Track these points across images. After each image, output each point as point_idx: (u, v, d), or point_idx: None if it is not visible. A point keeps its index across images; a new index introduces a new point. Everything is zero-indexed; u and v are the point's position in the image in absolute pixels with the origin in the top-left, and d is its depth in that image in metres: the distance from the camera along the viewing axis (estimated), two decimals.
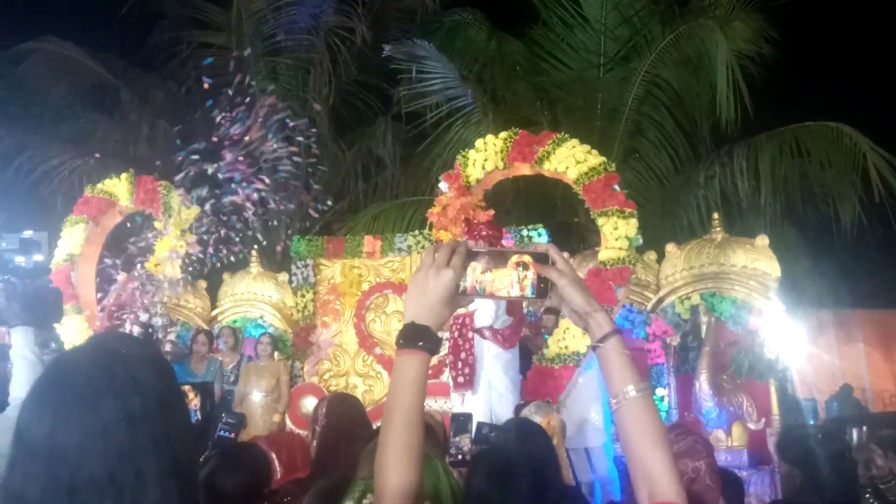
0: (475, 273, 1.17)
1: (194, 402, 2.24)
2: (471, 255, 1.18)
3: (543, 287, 1.18)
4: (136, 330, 7.15)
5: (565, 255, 7.19)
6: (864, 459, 2.99)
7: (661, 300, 6.79)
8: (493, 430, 3.57)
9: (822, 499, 2.72)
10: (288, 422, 7.04)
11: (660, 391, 6.67)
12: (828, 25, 11.19)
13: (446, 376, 5.59)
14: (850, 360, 13.56)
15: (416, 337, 1.13)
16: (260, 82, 10.07)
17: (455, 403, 5.24)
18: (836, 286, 10.65)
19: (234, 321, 7.82)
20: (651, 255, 7.18)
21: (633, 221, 5.83)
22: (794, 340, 6.86)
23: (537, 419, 5.26)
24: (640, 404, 1.16)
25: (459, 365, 5.05)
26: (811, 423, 7.05)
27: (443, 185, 6.12)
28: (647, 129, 9.81)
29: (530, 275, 1.17)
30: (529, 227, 7.39)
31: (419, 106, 9.64)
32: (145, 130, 11.56)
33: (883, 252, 9.74)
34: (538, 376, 5.59)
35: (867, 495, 2.84)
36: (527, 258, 1.17)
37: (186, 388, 2.10)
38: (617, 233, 5.81)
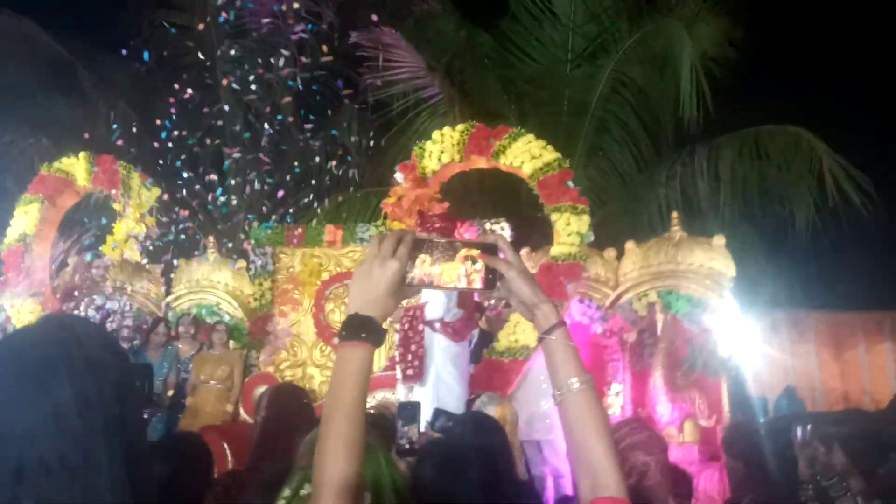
0: (424, 265, 1.15)
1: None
2: (418, 246, 1.16)
3: (492, 278, 1.17)
4: (91, 314, 6.97)
5: (527, 249, 7.22)
6: (809, 456, 3.05)
7: (619, 297, 6.86)
8: (451, 419, 3.54)
9: (762, 491, 2.78)
10: (242, 412, 6.93)
11: (615, 387, 6.74)
12: (790, 31, 11.41)
13: None
14: (801, 360, 13.92)
15: (360, 328, 1.10)
16: (223, 65, 9.89)
17: (401, 395, 5.22)
18: (790, 287, 10.89)
19: (189, 309, 7.65)
20: (611, 253, 7.24)
21: (586, 218, 5.90)
22: (747, 339, 7.00)
23: (490, 410, 5.27)
24: (583, 396, 1.15)
25: (409, 357, 5.03)
26: (761, 420, 7.19)
27: (398, 176, 6.09)
28: (611, 127, 9.89)
29: (479, 266, 1.16)
30: (492, 220, 7.38)
31: (385, 95, 9.55)
32: (104, 111, 11.25)
33: (836, 255, 10.00)
34: (487, 369, 5.61)
35: (809, 490, 2.90)
36: (475, 251, 1.16)
37: None
38: (569, 228, 5.86)
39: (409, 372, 5.03)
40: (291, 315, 7.42)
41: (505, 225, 7.29)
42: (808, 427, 2.98)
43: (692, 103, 8.55)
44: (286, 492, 1.47)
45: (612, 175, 10.01)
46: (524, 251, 7.57)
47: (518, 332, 5.75)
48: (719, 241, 6.67)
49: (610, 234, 9.00)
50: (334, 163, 10.04)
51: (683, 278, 6.55)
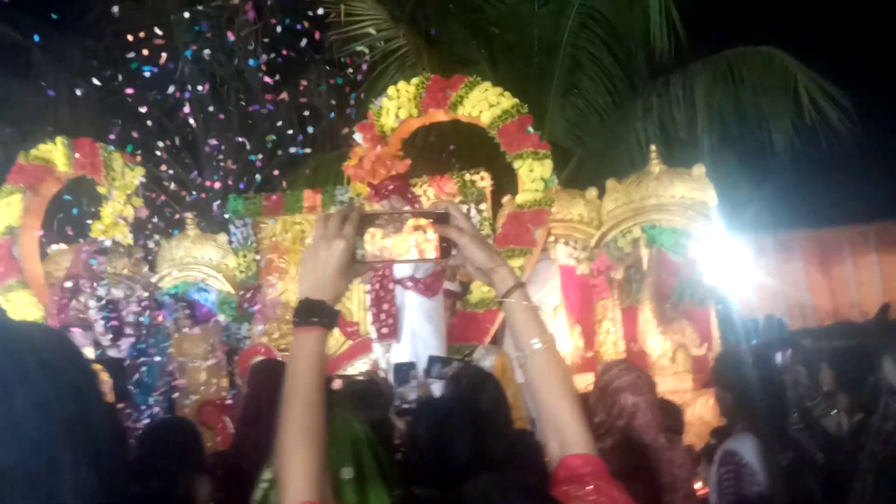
0: (375, 239, 1.13)
1: (105, 379, 2.16)
2: (366, 221, 1.13)
3: (446, 246, 1.15)
4: (93, 304, 6.88)
5: (509, 197, 7.14)
6: (792, 380, 3.11)
7: (603, 235, 6.86)
8: (446, 365, 3.55)
9: (753, 417, 2.83)
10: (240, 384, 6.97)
11: (606, 325, 6.81)
12: None
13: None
14: (790, 280, 14.11)
15: (311, 313, 1.09)
16: (179, 34, 9.58)
17: (378, 355, 5.28)
18: (774, 209, 10.95)
19: (176, 287, 7.61)
20: (592, 192, 7.19)
21: (548, 163, 5.85)
22: (734, 265, 7.04)
23: (487, 362, 5.31)
24: (545, 356, 1.16)
25: (382, 316, 5.05)
26: (753, 343, 7.29)
27: (358, 136, 5.98)
28: (584, 64, 9.70)
29: (431, 235, 1.14)
30: (471, 171, 7.31)
31: (351, 51, 9.31)
32: (65, 92, 10.93)
33: (816, 173, 10.02)
34: (462, 321, 5.63)
35: (794, 413, 2.97)
36: (424, 221, 1.14)
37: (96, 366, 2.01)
38: (533, 175, 5.82)
39: (384, 331, 5.06)
40: (279, 284, 7.40)
41: (485, 175, 7.22)
42: (789, 352, 3.04)
43: (662, 32, 8.39)
44: (267, 474, 1.47)
45: (590, 113, 9.88)
46: (506, 199, 7.53)
47: None
48: (699, 170, 6.64)
49: (591, 173, 8.94)
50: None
51: (666, 211, 6.54)
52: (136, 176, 7.45)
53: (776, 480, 2.61)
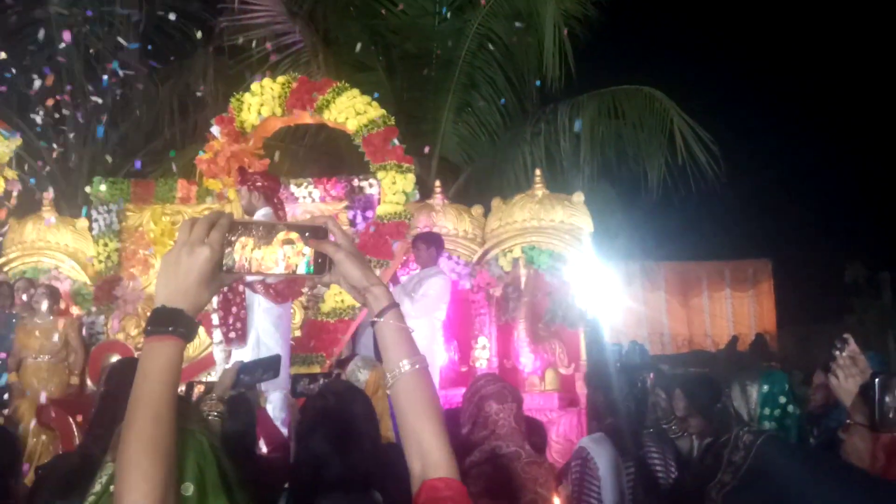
0: (245, 249, 1.07)
1: None
2: (236, 229, 1.06)
3: (321, 262, 1.11)
4: None
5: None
6: (652, 402, 3.27)
7: (486, 253, 6.98)
8: (313, 380, 3.45)
9: (613, 423, 2.97)
10: (89, 383, 6.43)
11: (482, 340, 6.90)
12: None
13: None
14: (653, 308, 15.10)
15: (167, 321, 1.03)
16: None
17: (218, 359, 5.07)
18: (643, 240, 11.62)
19: (24, 272, 6.93)
20: (478, 209, 7.32)
21: (411, 176, 5.88)
22: (604, 290, 7.36)
23: (363, 375, 5.20)
24: (414, 378, 1.15)
25: (230, 320, 4.83)
26: (617, 365, 7.63)
27: (215, 130, 5.71)
28: (479, 83, 9.91)
29: (306, 249, 1.09)
30: (361, 176, 7.20)
31: (244, 40, 8.96)
32: None
33: (684, 210, 10.74)
34: (312, 330, 5.51)
35: (651, 432, 3.12)
36: (294, 235, 1.09)
37: None
38: (395, 187, 5.81)
39: (232, 335, 4.84)
40: (142, 278, 6.91)
41: (374, 182, 7.13)
42: (651, 376, 3.22)
43: (555, 63, 8.71)
44: (96, 487, 1.33)
45: (481, 132, 10.09)
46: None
47: (344, 292, 5.65)
48: (578, 197, 6.92)
49: (478, 191, 9.10)
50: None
51: (545, 234, 6.75)
52: (13, 146, 6.71)
53: (616, 485, 2.75)
